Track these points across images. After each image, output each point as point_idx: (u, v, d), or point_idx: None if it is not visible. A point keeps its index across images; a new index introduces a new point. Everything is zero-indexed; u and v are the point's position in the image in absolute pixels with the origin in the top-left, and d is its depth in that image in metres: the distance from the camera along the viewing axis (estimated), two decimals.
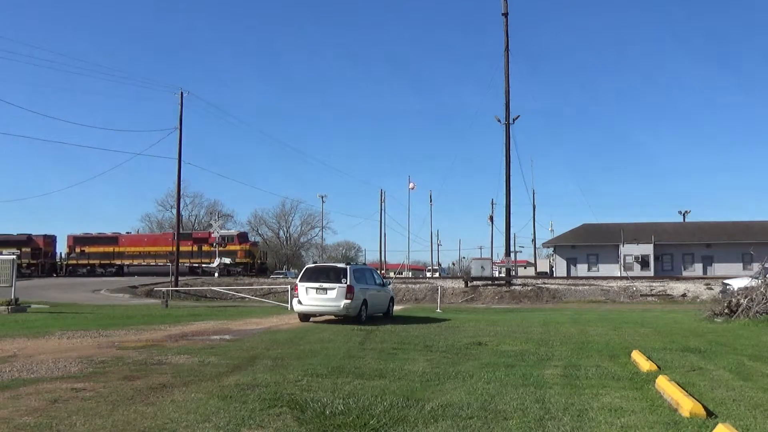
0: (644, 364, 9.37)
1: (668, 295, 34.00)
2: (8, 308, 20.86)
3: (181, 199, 45.69)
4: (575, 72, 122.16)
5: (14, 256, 24.90)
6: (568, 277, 51.11)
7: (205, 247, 53.68)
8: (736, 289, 20.04)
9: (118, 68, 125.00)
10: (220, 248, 52.26)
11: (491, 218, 68.99)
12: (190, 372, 8.76)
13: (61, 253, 57.90)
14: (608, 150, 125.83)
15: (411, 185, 72.42)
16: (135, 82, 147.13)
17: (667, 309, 26.23)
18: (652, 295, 34.20)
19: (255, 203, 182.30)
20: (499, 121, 37.47)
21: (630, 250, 56.06)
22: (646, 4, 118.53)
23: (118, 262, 53.94)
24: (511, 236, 48.78)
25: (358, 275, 17.82)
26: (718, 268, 53.64)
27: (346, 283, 16.89)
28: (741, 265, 50.08)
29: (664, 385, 7.37)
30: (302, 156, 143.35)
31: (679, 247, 57.64)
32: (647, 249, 56.19)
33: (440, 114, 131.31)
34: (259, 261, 56.14)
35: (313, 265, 19.62)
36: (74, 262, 54.64)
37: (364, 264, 37.08)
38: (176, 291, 35.23)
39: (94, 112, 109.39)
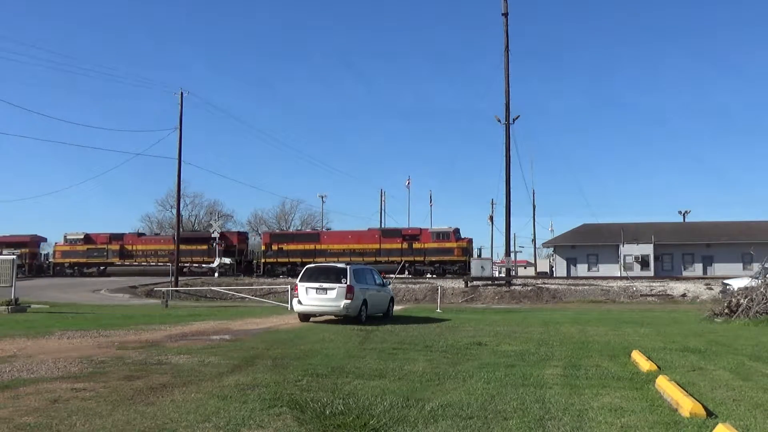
0: (644, 364, 9.38)
1: (668, 295, 33.99)
2: (8, 308, 20.85)
3: (181, 199, 45.65)
4: (576, 71, 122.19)
5: (14, 256, 24.88)
6: (568, 277, 51.11)
7: (416, 245, 48.99)
8: (736, 289, 20.04)
9: (118, 68, 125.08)
10: (436, 245, 48.12)
11: (491, 218, 69.10)
12: (190, 372, 8.76)
13: (252, 251, 55.27)
14: (609, 150, 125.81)
15: (407, 182, 72.95)
16: (135, 82, 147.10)
17: (667, 309, 26.23)
18: (652, 295, 34.20)
19: (255, 203, 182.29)
20: (499, 121, 37.48)
21: (630, 250, 56.05)
22: (647, 3, 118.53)
23: (321, 260, 49.31)
24: (511, 236, 48.73)
25: (358, 275, 17.82)
26: (718, 268, 53.61)
27: (346, 283, 16.89)
28: (741, 265, 50.05)
29: (664, 385, 7.38)
30: (302, 156, 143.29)
31: (679, 247, 57.63)
32: (647, 249, 56.17)
33: (441, 114, 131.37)
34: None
35: (314, 265, 19.61)
36: (273, 260, 51.12)
37: (365, 264, 37.05)
38: (176, 291, 35.22)
39: (93, 111, 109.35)
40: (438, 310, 24.96)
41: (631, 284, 36.89)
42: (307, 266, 18.67)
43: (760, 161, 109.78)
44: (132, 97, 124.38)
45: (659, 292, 34.72)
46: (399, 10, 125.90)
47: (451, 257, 47.86)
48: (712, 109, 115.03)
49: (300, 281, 17.52)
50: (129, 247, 53.28)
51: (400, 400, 6.93)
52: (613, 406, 6.75)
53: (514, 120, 37.14)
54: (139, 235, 55.91)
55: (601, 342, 13.00)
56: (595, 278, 42.44)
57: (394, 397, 7.05)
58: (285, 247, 51.29)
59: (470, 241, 51.22)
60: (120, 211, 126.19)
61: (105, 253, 52.73)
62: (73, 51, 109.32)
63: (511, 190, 38.03)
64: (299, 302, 17.37)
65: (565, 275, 55.20)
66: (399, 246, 49.21)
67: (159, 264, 51.74)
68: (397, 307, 23.89)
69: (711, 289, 32.30)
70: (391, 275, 42.75)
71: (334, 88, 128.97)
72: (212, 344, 12.30)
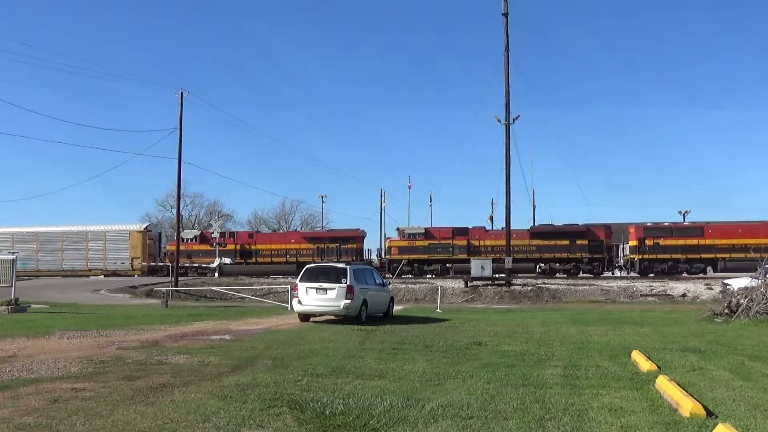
0: (644, 364, 9.39)
1: (668, 295, 33.98)
2: (8, 308, 20.84)
3: (181, 199, 45.56)
4: (576, 70, 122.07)
5: (14, 256, 24.86)
6: (568, 276, 51.10)
7: None
8: (736, 289, 20.03)
9: (117, 68, 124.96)
10: None
11: (491, 218, 68.89)
12: (190, 372, 8.77)
13: (615, 246, 49.25)
14: (608, 150, 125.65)
15: (409, 184, 72.98)
16: (135, 82, 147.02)
17: (667, 309, 26.23)
18: (652, 295, 34.20)
19: (255, 203, 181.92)
20: (499, 121, 37.43)
21: None
22: (652, 2, 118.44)
23: (709, 256, 44.43)
24: (512, 236, 48.63)
25: (358, 275, 17.83)
26: None
27: (346, 283, 16.90)
28: None
29: (664, 385, 7.39)
30: (302, 156, 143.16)
31: None
32: None
33: (440, 113, 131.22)
34: None
35: (313, 265, 19.61)
36: (651, 256, 45.54)
37: (364, 264, 37.04)
38: (176, 291, 35.21)
39: (93, 112, 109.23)
40: (438, 310, 24.96)
41: (631, 284, 36.87)
42: (306, 266, 18.68)
43: (760, 161, 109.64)
44: (132, 97, 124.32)
45: (659, 292, 34.72)
46: (398, 7, 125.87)
47: None
48: (713, 109, 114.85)
49: (300, 281, 17.53)
50: (475, 243, 48.26)
51: (400, 400, 6.93)
52: (613, 406, 6.76)
53: (514, 120, 37.12)
54: (486, 230, 51.17)
55: (601, 342, 13.00)
56: (595, 278, 42.44)
57: (394, 397, 7.05)
58: (662, 242, 45.65)
59: None
60: (120, 211, 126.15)
61: (450, 249, 47.84)
62: (73, 51, 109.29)
63: (511, 190, 37.96)
64: (299, 302, 17.37)
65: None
66: None
67: (515, 260, 45.99)
68: (397, 307, 23.90)
69: (711, 289, 32.27)
70: (389, 276, 42.41)
71: (334, 88, 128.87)
72: (212, 344, 12.31)
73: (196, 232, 52.74)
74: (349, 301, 16.79)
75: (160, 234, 58.30)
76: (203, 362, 9.75)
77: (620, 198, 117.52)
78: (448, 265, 47.32)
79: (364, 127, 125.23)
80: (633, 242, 46.28)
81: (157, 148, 52.83)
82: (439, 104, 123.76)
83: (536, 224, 49.18)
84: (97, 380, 8.06)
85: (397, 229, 50.55)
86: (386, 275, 46.54)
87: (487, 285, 37.15)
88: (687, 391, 7.02)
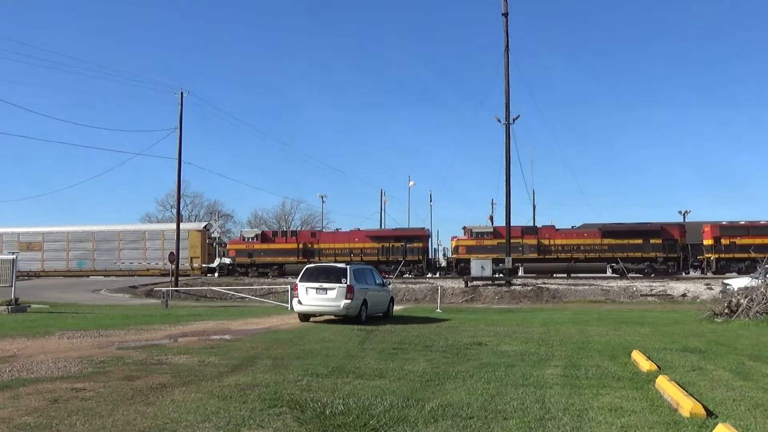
0: (644, 364, 9.39)
1: (668, 295, 34.00)
2: (8, 308, 20.85)
3: (181, 199, 45.54)
4: (576, 70, 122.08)
5: (14, 256, 24.85)
6: (568, 276, 51.11)
7: None
8: (736, 289, 20.05)
9: (118, 68, 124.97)
10: None
11: (491, 218, 68.89)
12: (190, 372, 8.77)
13: (686, 245, 47.02)
14: (608, 150, 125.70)
15: (411, 183, 72.95)
16: (135, 82, 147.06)
17: (667, 309, 26.23)
18: (652, 295, 34.20)
19: (255, 203, 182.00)
20: (499, 121, 37.43)
21: None
22: (654, 3, 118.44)
23: None
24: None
25: (358, 275, 17.83)
26: None
27: (346, 283, 16.90)
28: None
29: (664, 385, 7.39)
30: (302, 156, 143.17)
31: None
32: None
33: (440, 113, 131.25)
34: None
35: (313, 265, 19.62)
36: (728, 255, 44.26)
37: (365, 264, 37.02)
38: (176, 291, 35.21)
39: (93, 112, 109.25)
40: (438, 310, 24.96)
41: (631, 284, 36.88)
42: (307, 266, 18.68)
43: (762, 159, 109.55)
44: (132, 98, 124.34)
45: (659, 292, 34.74)
46: (399, 7, 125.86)
47: None
48: (713, 107, 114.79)
49: (300, 281, 17.53)
50: (545, 242, 47.02)
51: (400, 400, 6.93)
52: (613, 406, 6.76)
53: (514, 120, 37.12)
54: (556, 228, 49.19)
55: (601, 342, 13.00)
56: (595, 278, 42.45)
57: (394, 397, 7.06)
58: (738, 241, 44.65)
59: None
60: (120, 211, 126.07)
61: (520, 248, 46.21)
62: (72, 51, 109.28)
63: (511, 190, 37.97)
64: (299, 302, 17.37)
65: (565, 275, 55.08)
66: None
67: (587, 259, 45.61)
68: (397, 307, 23.90)
69: (711, 289, 32.30)
70: (390, 276, 42.29)
71: (334, 88, 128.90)
72: (212, 344, 12.31)
73: (257, 231, 51.77)
74: (349, 301, 16.79)
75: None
76: (203, 362, 9.75)
77: (621, 198, 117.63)
78: (517, 264, 45.67)
79: (364, 127, 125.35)
80: (708, 241, 44.97)
81: (158, 148, 52.71)
82: (439, 104, 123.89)
83: (606, 222, 47.14)
84: (97, 380, 8.06)
85: (464, 228, 49.27)
86: (450, 275, 46.07)
87: (487, 285, 37.17)
88: (687, 391, 7.02)
